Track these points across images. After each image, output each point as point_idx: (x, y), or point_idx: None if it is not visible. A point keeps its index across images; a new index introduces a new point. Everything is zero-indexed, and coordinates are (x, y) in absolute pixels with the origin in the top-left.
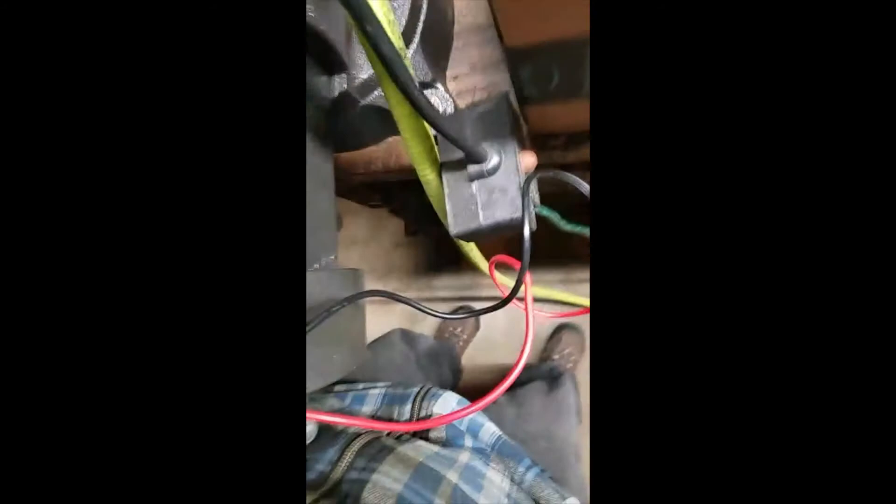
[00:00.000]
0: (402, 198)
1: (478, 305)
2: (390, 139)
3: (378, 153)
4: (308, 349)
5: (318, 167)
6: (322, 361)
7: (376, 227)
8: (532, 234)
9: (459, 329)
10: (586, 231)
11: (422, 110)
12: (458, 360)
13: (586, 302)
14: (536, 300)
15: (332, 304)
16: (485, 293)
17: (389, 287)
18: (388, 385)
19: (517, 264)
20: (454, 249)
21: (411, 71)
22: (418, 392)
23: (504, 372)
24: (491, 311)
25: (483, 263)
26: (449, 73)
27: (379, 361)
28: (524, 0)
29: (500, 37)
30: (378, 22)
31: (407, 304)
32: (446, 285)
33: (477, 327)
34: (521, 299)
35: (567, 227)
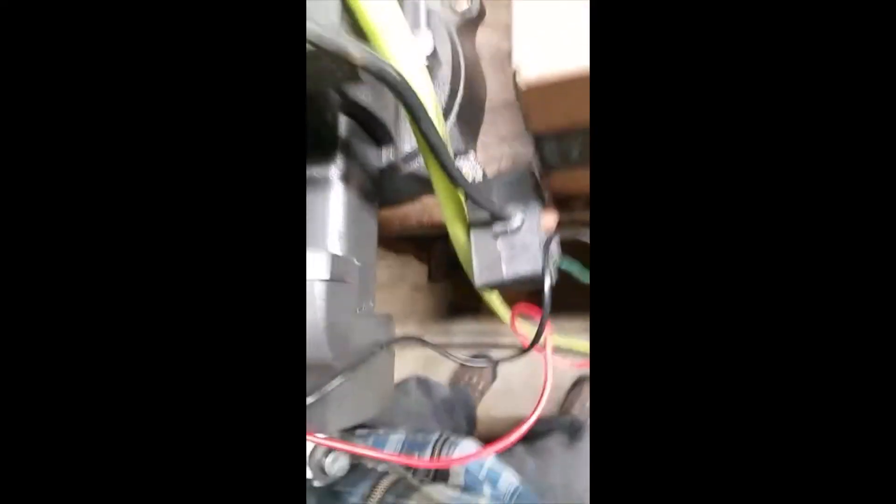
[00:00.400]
0: (427, 247)
1: (495, 353)
2: (424, 198)
3: (413, 210)
4: (347, 388)
5: (366, 223)
6: (358, 400)
7: (397, 272)
8: (553, 286)
9: (475, 378)
10: None
11: (457, 182)
12: (473, 410)
13: None
14: (557, 350)
15: (373, 347)
16: (502, 340)
17: (408, 330)
18: (408, 432)
19: (538, 314)
20: (473, 297)
21: (451, 151)
22: (437, 439)
23: (521, 423)
24: (511, 359)
25: (504, 312)
26: (479, 142)
27: (395, 408)
28: (546, 94)
29: (526, 121)
30: (429, 117)
31: (441, 352)
32: (464, 331)
33: (494, 377)
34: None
35: (587, 280)
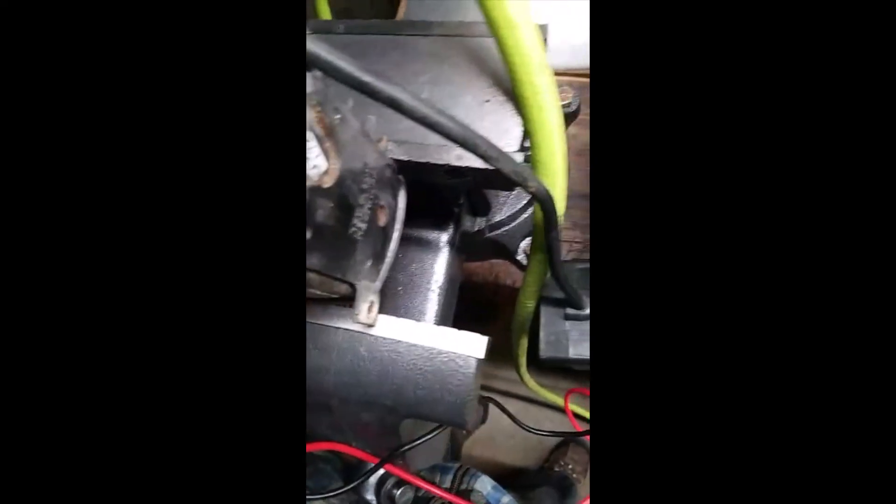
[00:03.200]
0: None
1: (493, 396)
2: (493, 261)
3: (481, 269)
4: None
5: (454, 273)
6: (433, 446)
7: None
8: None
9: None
10: None
11: (554, 267)
12: (459, 445)
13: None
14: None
15: None
16: (500, 387)
17: None
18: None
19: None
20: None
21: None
22: (459, 467)
23: (500, 471)
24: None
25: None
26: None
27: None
28: None
29: None
30: (557, 227)
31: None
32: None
33: (483, 420)
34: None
35: None
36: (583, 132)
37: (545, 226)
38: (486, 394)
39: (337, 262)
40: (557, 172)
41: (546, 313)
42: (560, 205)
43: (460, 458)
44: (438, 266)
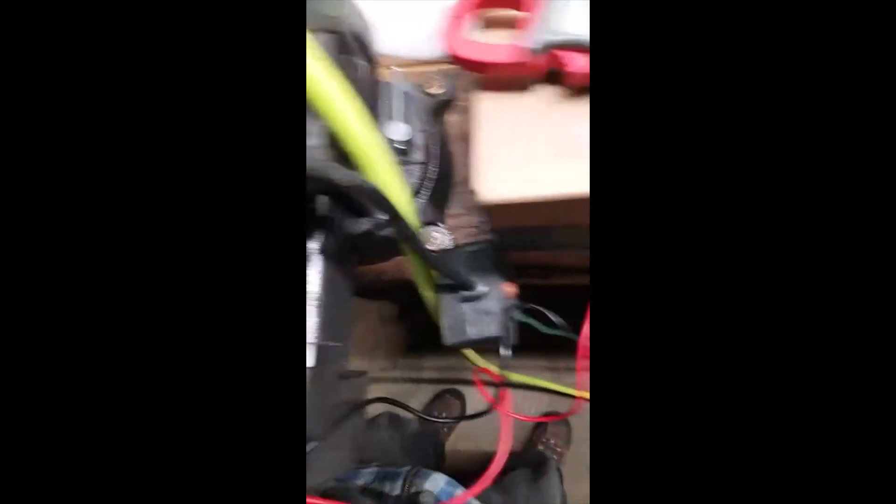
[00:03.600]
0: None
1: (464, 389)
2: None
3: (389, 266)
4: (321, 450)
5: (338, 282)
6: (332, 460)
7: (366, 304)
8: (512, 346)
9: (445, 413)
10: (562, 332)
11: (427, 260)
12: (441, 445)
13: (570, 391)
14: (523, 387)
15: (349, 409)
16: (471, 376)
17: (376, 365)
18: (379, 465)
19: (497, 378)
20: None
21: (419, 231)
22: (409, 470)
23: (486, 459)
24: (472, 418)
25: (475, 358)
26: (447, 212)
27: (367, 441)
28: (501, 209)
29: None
30: (401, 217)
31: (409, 410)
32: (433, 366)
33: (463, 412)
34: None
35: (546, 330)
36: (462, 119)
37: (389, 218)
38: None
39: None
40: (376, 164)
41: (444, 300)
42: (395, 198)
43: (445, 458)
44: (311, 278)
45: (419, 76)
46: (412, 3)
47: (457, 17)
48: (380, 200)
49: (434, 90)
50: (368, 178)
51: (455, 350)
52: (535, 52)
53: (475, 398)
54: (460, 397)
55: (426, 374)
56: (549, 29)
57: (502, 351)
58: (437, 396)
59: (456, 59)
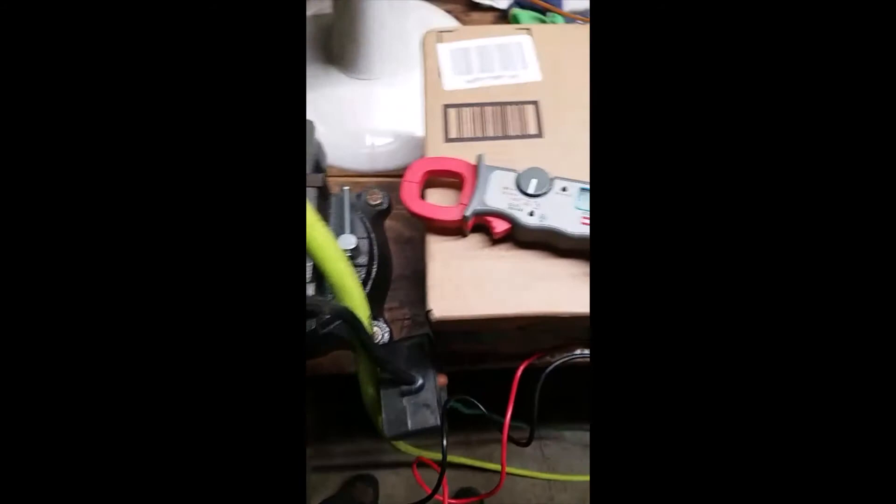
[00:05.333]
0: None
1: (377, 473)
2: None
3: (324, 362)
4: None
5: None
6: None
7: None
8: (446, 433)
9: (360, 497)
10: (479, 412)
11: (379, 363)
12: None
13: (488, 465)
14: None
15: None
16: (384, 458)
17: None
18: None
19: (436, 467)
20: (348, 419)
21: (374, 338)
22: None
23: None
24: None
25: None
26: (386, 306)
27: None
28: (450, 323)
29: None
30: (371, 339)
31: None
32: (344, 451)
33: (376, 498)
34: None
35: (466, 411)
36: (397, 224)
37: (355, 334)
38: (368, 472)
39: None
40: (353, 293)
41: (385, 396)
42: (362, 313)
43: None
44: None
45: (361, 187)
46: (353, 128)
47: (410, 182)
48: (354, 322)
49: (374, 200)
50: (345, 304)
51: (365, 435)
52: (467, 218)
53: (389, 482)
54: (373, 483)
55: (337, 462)
56: (479, 201)
57: (443, 441)
58: (348, 484)
59: (412, 214)
